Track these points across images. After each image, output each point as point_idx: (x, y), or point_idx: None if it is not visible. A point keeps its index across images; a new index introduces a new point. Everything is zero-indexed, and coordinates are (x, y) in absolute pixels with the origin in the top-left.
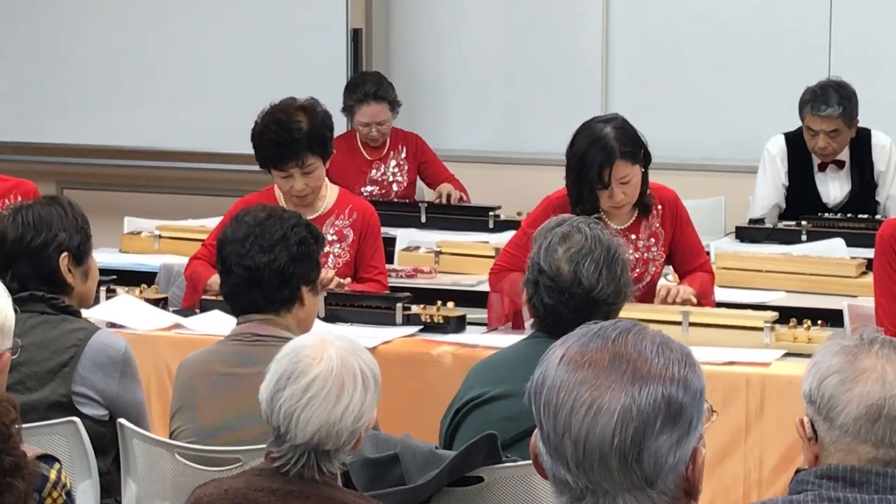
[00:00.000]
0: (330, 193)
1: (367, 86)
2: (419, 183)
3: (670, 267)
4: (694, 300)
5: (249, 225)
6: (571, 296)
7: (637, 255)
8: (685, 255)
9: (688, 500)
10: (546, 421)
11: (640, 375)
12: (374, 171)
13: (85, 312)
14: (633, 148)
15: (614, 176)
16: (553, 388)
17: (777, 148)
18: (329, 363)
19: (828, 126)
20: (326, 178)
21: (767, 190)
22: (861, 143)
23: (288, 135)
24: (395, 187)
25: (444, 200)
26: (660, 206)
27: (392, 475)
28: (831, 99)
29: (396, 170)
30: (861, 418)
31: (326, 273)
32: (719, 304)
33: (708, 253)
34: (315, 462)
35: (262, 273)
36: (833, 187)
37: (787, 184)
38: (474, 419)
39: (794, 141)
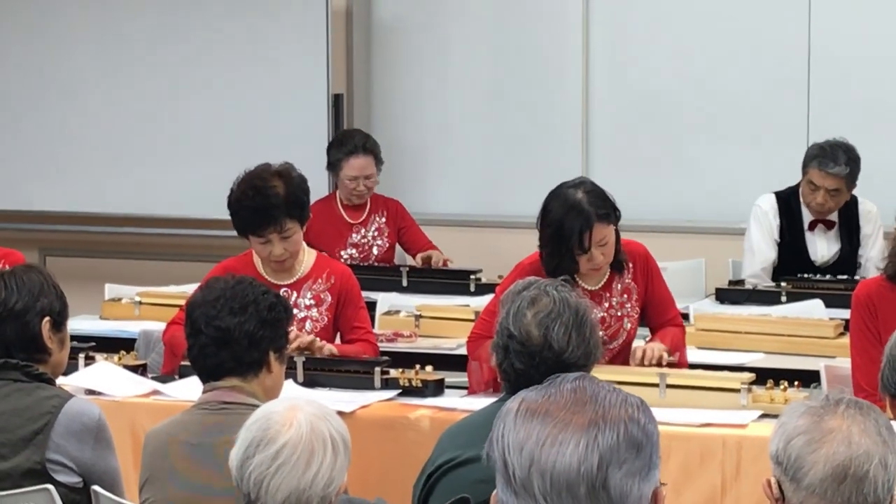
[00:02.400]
0: (307, 258)
1: (356, 139)
2: (398, 248)
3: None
4: (667, 357)
5: (220, 289)
6: (542, 360)
7: (612, 313)
8: (656, 309)
9: None
10: (511, 459)
11: (601, 412)
12: (354, 235)
13: (63, 379)
14: (607, 209)
15: (594, 239)
16: (515, 430)
17: (768, 205)
18: (298, 429)
19: (831, 184)
20: (304, 243)
21: (765, 244)
22: (849, 206)
23: (265, 201)
24: (374, 251)
25: (428, 264)
26: (631, 263)
27: None
28: (839, 158)
29: (377, 233)
30: (827, 479)
31: (305, 337)
32: (697, 366)
33: (686, 315)
34: None
35: (231, 334)
36: (821, 246)
37: (778, 240)
38: (447, 483)
39: (785, 199)
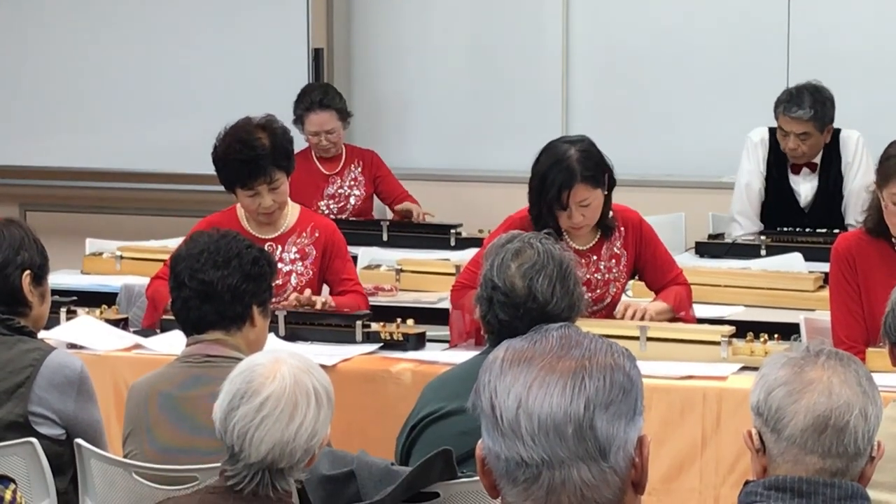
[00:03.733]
0: (291, 212)
1: (313, 94)
2: (376, 199)
3: (631, 283)
4: (654, 318)
5: (204, 243)
6: (526, 311)
7: (598, 276)
8: (656, 272)
9: (635, 494)
10: (498, 402)
11: (586, 358)
12: (330, 186)
13: (45, 333)
14: (596, 172)
15: (573, 198)
16: (503, 376)
17: (759, 137)
18: (282, 382)
19: (798, 128)
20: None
21: (754, 177)
22: (831, 142)
23: (252, 152)
24: (352, 200)
25: (407, 217)
26: (623, 228)
27: (348, 491)
28: (804, 101)
29: (353, 184)
30: (808, 429)
31: (292, 294)
32: (675, 320)
33: None
34: (269, 480)
35: (214, 287)
36: (804, 188)
37: (764, 172)
38: (430, 435)
39: (775, 137)
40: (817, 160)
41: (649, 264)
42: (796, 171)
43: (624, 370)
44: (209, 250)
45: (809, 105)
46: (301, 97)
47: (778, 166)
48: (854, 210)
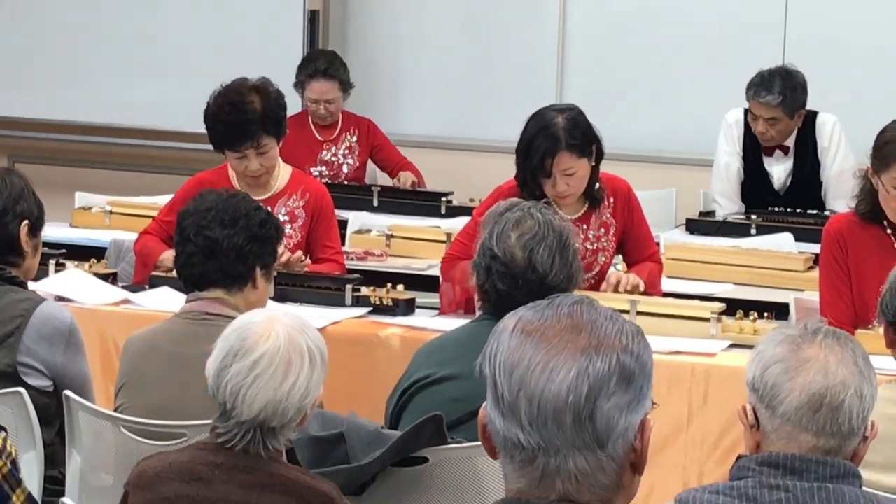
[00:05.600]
0: (283, 174)
1: (318, 62)
2: (370, 167)
3: (619, 256)
4: (642, 288)
5: (213, 200)
6: (525, 282)
7: (588, 246)
8: (636, 245)
9: (633, 476)
10: (501, 380)
11: (595, 340)
12: (324, 152)
13: (33, 285)
14: (582, 142)
15: (557, 166)
16: (508, 350)
17: (734, 117)
18: (276, 341)
19: (766, 113)
20: (280, 158)
21: (731, 158)
22: (806, 125)
23: (242, 116)
24: (345, 168)
25: (402, 187)
26: (612, 198)
27: (337, 453)
28: (774, 86)
29: (347, 152)
30: (803, 407)
31: (284, 253)
32: (667, 295)
33: (658, 244)
34: (260, 438)
35: (219, 245)
36: (777, 170)
37: (741, 153)
38: (421, 400)
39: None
40: (790, 143)
41: (632, 237)
42: (769, 154)
43: (632, 354)
44: (217, 208)
45: (779, 91)
46: (306, 63)
47: (753, 148)
48: (835, 195)
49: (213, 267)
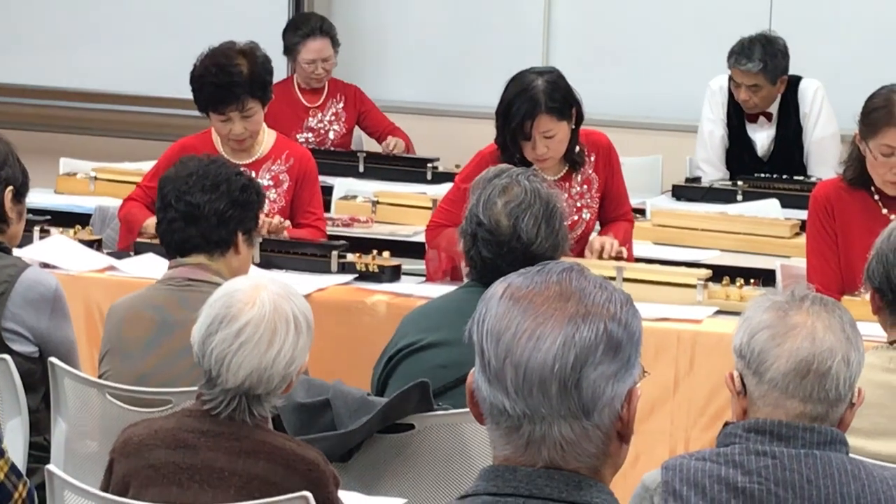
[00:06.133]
0: (267, 139)
1: (311, 21)
2: (356, 134)
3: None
4: (625, 254)
5: (193, 167)
6: (510, 250)
7: (571, 203)
8: (611, 202)
9: (619, 444)
10: (488, 347)
11: (583, 308)
12: (310, 119)
13: (18, 252)
14: (562, 105)
15: (536, 128)
16: (496, 317)
17: (718, 85)
18: (262, 308)
19: (748, 80)
20: (264, 123)
21: (715, 126)
22: (789, 91)
23: (228, 78)
24: (331, 135)
25: (391, 154)
26: (593, 154)
27: (323, 420)
28: (754, 54)
29: (333, 118)
30: (790, 374)
31: (267, 219)
32: (654, 261)
33: (643, 210)
34: (246, 405)
35: (201, 210)
36: (761, 137)
37: (725, 120)
38: (407, 366)
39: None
40: (774, 110)
41: (610, 193)
42: (753, 120)
43: (621, 322)
44: (198, 174)
45: (759, 58)
46: (297, 24)
47: (737, 115)
48: (817, 161)
49: (195, 232)
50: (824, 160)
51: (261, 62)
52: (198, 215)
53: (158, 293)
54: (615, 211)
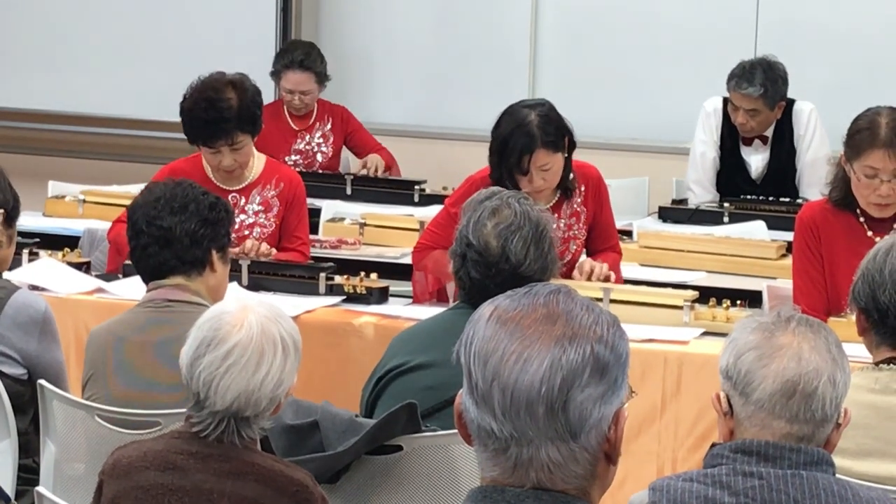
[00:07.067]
0: (257, 164)
1: (295, 53)
2: (344, 155)
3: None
4: (613, 279)
5: (160, 191)
6: (498, 271)
7: (559, 235)
8: (600, 234)
9: (607, 465)
10: (475, 369)
11: (570, 331)
12: (298, 142)
13: (7, 274)
14: (556, 137)
15: (534, 163)
16: (484, 339)
17: (712, 107)
18: (249, 331)
19: (748, 104)
20: (254, 148)
21: (708, 147)
22: (784, 113)
23: (218, 114)
24: (319, 157)
25: (370, 172)
26: (583, 186)
27: (311, 442)
28: (755, 78)
29: (321, 140)
30: (776, 394)
31: (248, 242)
32: (640, 283)
33: (630, 232)
34: (234, 428)
35: (173, 232)
36: (755, 160)
37: (718, 142)
38: (396, 388)
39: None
40: (769, 133)
41: (599, 225)
42: (748, 143)
43: (607, 344)
44: (165, 197)
45: (760, 83)
46: (283, 53)
47: (731, 137)
48: (809, 182)
49: (170, 255)
50: (816, 181)
51: (250, 95)
52: (170, 237)
53: (139, 316)
54: (604, 243)
